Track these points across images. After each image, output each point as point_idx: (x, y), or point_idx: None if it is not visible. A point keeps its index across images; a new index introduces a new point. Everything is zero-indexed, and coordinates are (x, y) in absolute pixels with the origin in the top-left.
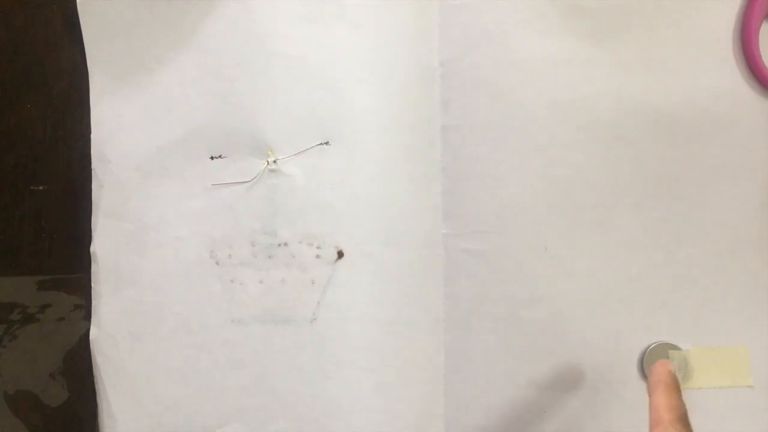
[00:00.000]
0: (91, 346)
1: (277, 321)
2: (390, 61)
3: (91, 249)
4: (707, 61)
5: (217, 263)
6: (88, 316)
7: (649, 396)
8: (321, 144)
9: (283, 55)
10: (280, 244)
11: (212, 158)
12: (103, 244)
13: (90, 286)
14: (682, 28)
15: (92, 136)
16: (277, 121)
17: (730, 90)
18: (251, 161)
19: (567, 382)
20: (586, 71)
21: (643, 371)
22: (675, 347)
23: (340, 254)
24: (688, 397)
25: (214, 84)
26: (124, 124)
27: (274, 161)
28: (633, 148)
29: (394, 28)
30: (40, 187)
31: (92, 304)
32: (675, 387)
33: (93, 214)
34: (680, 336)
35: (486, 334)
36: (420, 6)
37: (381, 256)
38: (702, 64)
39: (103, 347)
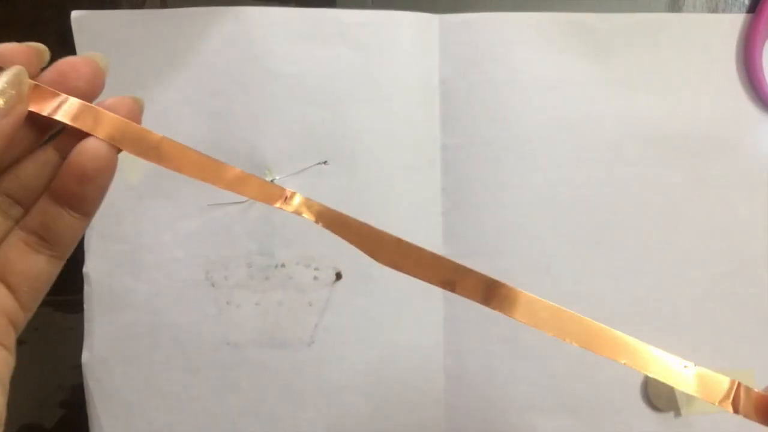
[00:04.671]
0: (83, 370)
1: (273, 344)
2: (389, 80)
3: (84, 270)
4: (710, 81)
5: (213, 285)
6: (80, 340)
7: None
8: (319, 163)
9: (281, 73)
10: (277, 266)
11: None
12: (97, 266)
13: (82, 309)
14: (685, 47)
15: None
16: (275, 141)
17: (733, 110)
18: None
19: (569, 407)
20: (588, 90)
21: (647, 395)
22: None
23: (339, 276)
24: (692, 421)
25: (210, 103)
26: None
27: (272, 181)
28: (636, 168)
29: (394, 47)
30: None
31: (85, 327)
32: None
33: (86, 235)
34: (686, 359)
35: (487, 358)
36: (419, 24)
37: (380, 277)
38: (705, 84)
39: (95, 371)
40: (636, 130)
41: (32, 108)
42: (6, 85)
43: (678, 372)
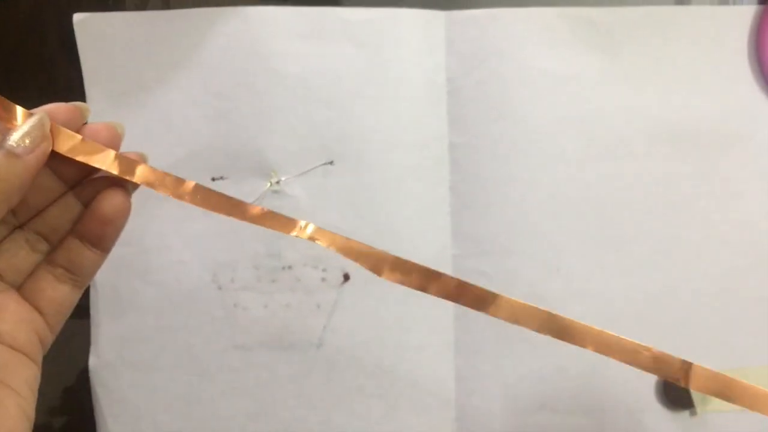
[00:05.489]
0: (90, 375)
1: (282, 347)
2: (395, 78)
3: None
4: (721, 74)
5: (220, 288)
6: (87, 345)
7: None
8: (325, 164)
9: (286, 73)
10: (284, 268)
11: (214, 179)
12: (102, 270)
13: (89, 314)
14: (695, 40)
15: None
16: (280, 141)
17: (744, 103)
18: (254, 182)
19: (582, 407)
20: (597, 86)
21: (662, 394)
22: None
23: (346, 277)
24: (707, 420)
25: (215, 103)
26: (123, 146)
27: (277, 182)
28: (646, 163)
29: (400, 45)
30: None
31: (91, 331)
32: None
33: None
34: (699, 357)
35: (498, 358)
36: (425, 21)
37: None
38: (715, 77)
39: (102, 376)
40: (646, 124)
41: (77, 157)
42: (31, 128)
43: (638, 354)
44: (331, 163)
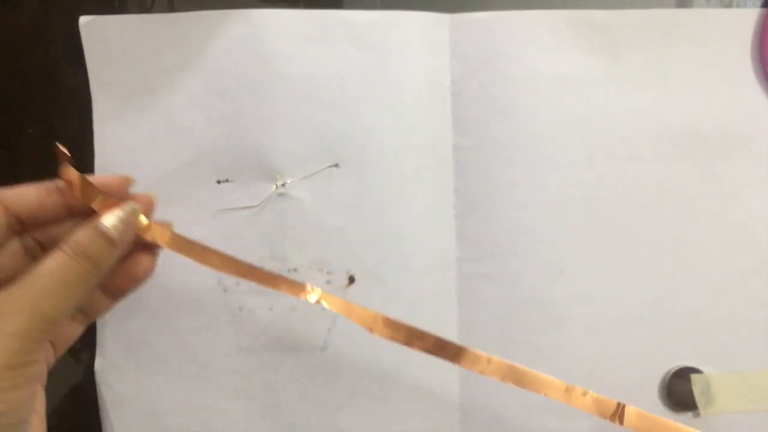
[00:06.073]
0: (96, 377)
1: (286, 349)
2: (400, 80)
3: None
4: (724, 77)
5: (225, 290)
6: (93, 346)
7: None
8: (330, 166)
9: (291, 75)
10: (289, 270)
11: (219, 182)
12: None
13: None
14: (699, 43)
15: (96, 161)
16: (285, 144)
17: (748, 106)
18: (259, 185)
19: None
20: (601, 88)
21: (665, 396)
22: (697, 371)
23: (351, 279)
24: (710, 422)
25: (220, 106)
26: (129, 149)
27: (283, 185)
28: (650, 166)
29: (404, 47)
30: None
31: (97, 333)
32: None
33: None
34: (702, 359)
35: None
36: (430, 24)
37: (393, 280)
38: (719, 80)
39: (108, 378)
40: (649, 127)
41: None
42: (126, 215)
43: (581, 398)
44: (336, 165)
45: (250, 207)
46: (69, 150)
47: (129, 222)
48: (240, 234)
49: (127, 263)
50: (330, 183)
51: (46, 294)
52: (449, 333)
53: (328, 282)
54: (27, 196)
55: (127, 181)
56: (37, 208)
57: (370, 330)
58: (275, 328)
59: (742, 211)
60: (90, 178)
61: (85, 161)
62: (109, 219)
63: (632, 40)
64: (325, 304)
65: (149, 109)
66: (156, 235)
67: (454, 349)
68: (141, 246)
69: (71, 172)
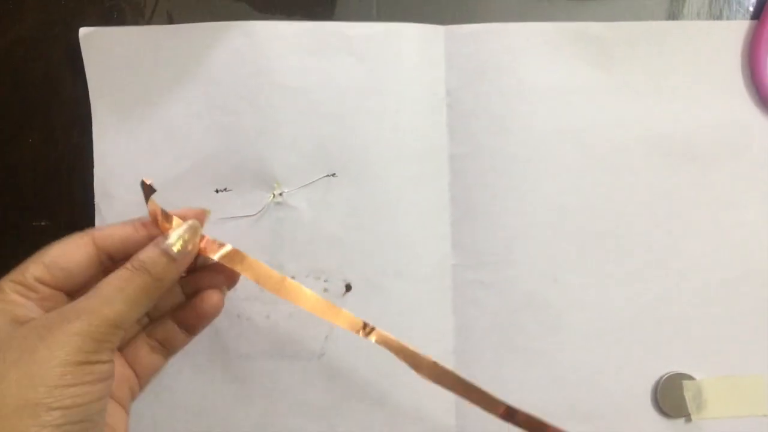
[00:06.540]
0: None
1: (284, 356)
2: (396, 91)
3: None
4: (716, 88)
5: None
6: None
7: None
8: (328, 176)
9: (288, 87)
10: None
11: (217, 191)
12: None
13: None
14: (690, 54)
15: (95, 170)
16: (283, 154)
17: (739, 116)
18: (257, 194)
19: (580, 414)
20: (594, 99)
21: (657, 402)
22: (689, 377)
23: (348, 287)
24: (702, 427)
25: (219, 117)
26: (128, 159)
27: (280, 194)
28: (643, 175)
29: (400, 58)
30: (42, 223)
31: None
32: None
33: None
34: (694, 365)
35: (497, 367)
36: (425, 36)
37: (390, 288)
38: (710, 91)
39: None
40: (642, 137)
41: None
42: (185, 232)
43: (498, 406)
44: (333, 175)
45: (248, 216)
46: (67, 159)
47: (188, 239)
48: (238, 242)
49: (196, 301)
50: (327, 192)
51: (108, 301)
52: (445, 340)
53: (325, 290)
54: (116, 233)
55: (204, 214)
56: (124, 243)
57: (417, 370)
58: (273, 335)
59: (733, 220)
60: (172, 212)
61: (84, 171)
62: (170, 237)
63: (625, 51)
64: (371, 338)
65: (148, 119)
66: (217, 253)
67: (456, 380)
68: (208, 284)
69: (155, 206)
